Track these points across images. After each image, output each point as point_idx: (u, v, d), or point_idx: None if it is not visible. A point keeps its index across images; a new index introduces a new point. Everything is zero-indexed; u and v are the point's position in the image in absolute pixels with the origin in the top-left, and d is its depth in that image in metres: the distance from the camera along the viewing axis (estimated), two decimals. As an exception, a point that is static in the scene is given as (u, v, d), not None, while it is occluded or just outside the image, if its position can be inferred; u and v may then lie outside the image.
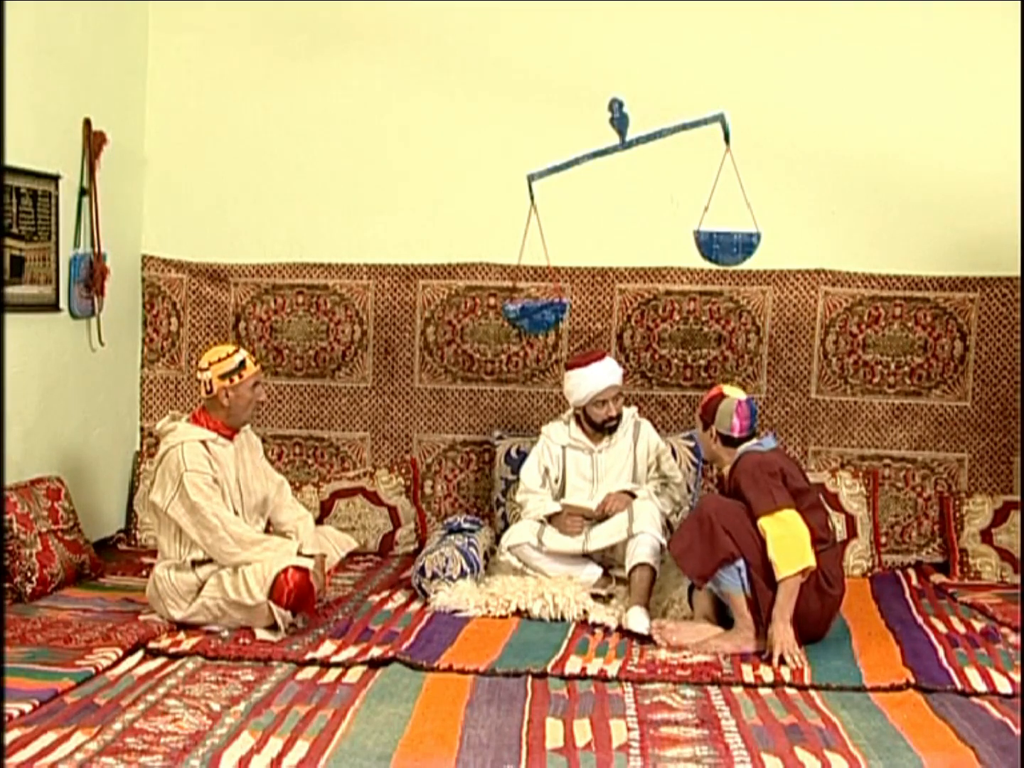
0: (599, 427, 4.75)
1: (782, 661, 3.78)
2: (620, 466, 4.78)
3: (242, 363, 4.19)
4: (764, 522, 3.91)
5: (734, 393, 4.22)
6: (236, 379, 4.16)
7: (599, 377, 4.67)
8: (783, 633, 3.84)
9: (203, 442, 4.14)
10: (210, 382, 4.18)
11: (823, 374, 5.39)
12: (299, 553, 4.16)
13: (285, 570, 3.95)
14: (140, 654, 3.74)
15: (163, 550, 4.17)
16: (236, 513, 4.17)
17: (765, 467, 4.03)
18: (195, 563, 4.09)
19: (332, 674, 3.60)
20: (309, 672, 3.62)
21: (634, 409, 4.94)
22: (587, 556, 4.61)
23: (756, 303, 5.39)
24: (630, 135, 4.41)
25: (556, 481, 4.82)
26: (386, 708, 3.29)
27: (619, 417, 4.75)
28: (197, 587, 4.06)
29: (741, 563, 3.93)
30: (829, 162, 5.29)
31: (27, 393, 4.71)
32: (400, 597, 4.57)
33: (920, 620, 4.35)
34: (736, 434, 4.15)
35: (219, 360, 4.21)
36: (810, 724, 3.22)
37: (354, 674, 3.60)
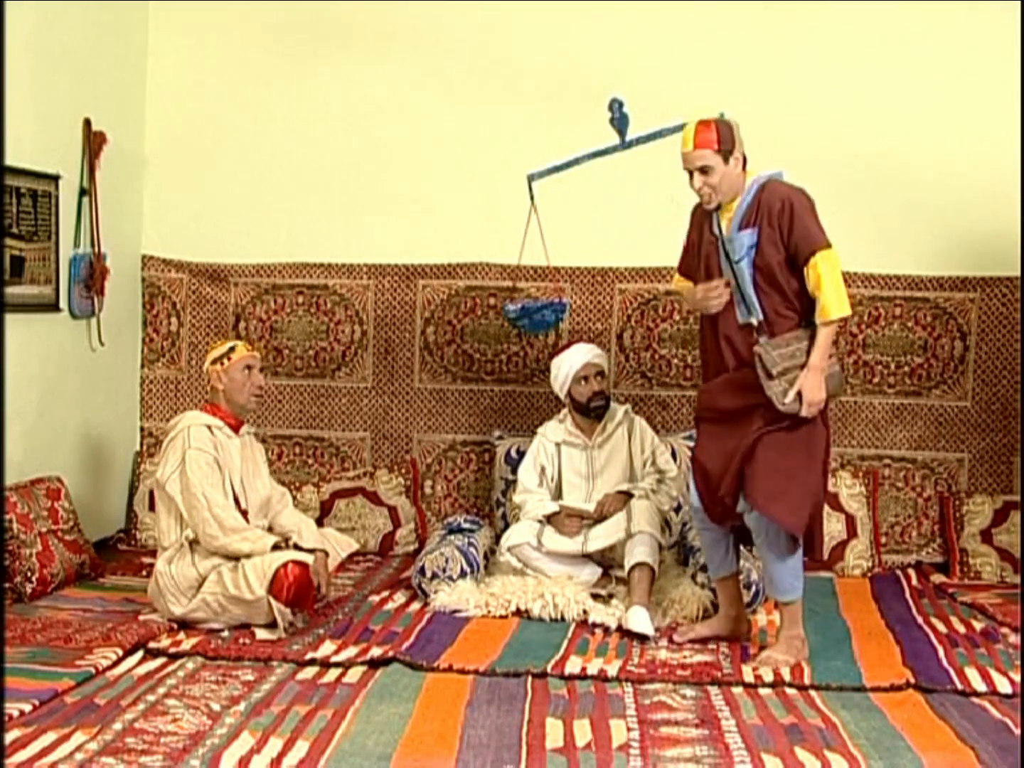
0: (586, 410, 4.76)
1: (794, 408, 3.71)
2: (615, 462, 4.78)
3: (232, 348, 4.31)
4: (820, 257, 3.71)
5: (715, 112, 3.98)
6: (226, 362, 4.27)
7: (576, 355, 4.76)
8: (817, 388, 3.74)
9: (209, 427, 4.22)
10: (207, 371, 4.34)
11: (823, 374, 5.38)
12: (299, 548, 4.18)
13: (285, 565, 3.96)
14: (140, 654, 3.75)
15: (162, 537, 4.20)
16: (239, 505, 4.21)
17: (808, 196, 3.84)
18: (191, 543, 4.12)
19: (332, 674, 3.60)
20: (309, 672, 3.62)
21: (627, 406, 4.95)
22: (586, 556, 4.61)
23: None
24: (630, 135, 4.41)
25: (552, 479, 4.83)
26: (386, 708, 3.29)
27: (604, 397, 4.76)
28: (198, 583, 4.07)
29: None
30: (829, 162, 5.28)
31: (27, 393, 4.71)
32: (400, 597, 4.57)
33: (920, 620, 4.35)
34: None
35: (214, 350, 4.36)
36: (810, 724, 3.22)
37: (354, 674, 3.60)
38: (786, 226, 3.73)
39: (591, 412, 4.78)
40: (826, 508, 5.13)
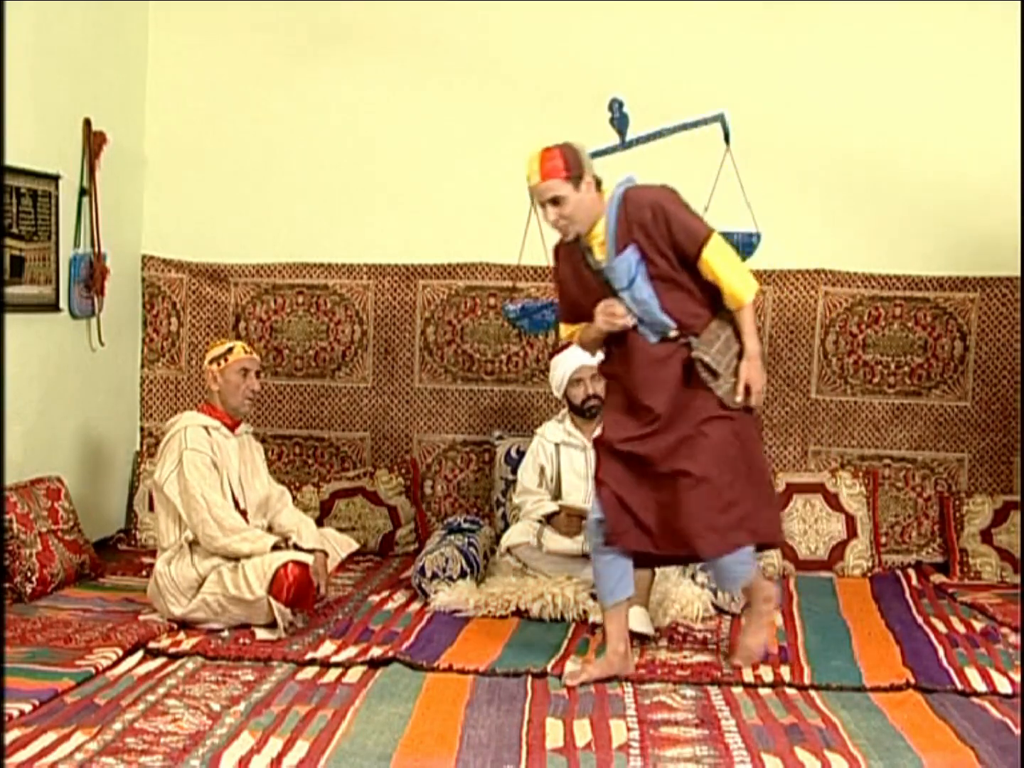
0: (581, 411, 4.77)
1: (747, 405, 3.58)
2: (615, 463, 4.78)
3: (230, 349, 4.30)
4: (710, 250, 3.52)
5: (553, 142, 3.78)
6: (223, 363, 4.26)
7: (573, 357, 4.72)
8: (760, 374, 3.61)
9: (206, 428, 4.21)
10: (205, 370, 4.33)
11: (823, 374, 5.39)
12: (298, 548, 4.18)
13: (285, 565, 3.96)
14: (140, 654, 3.74)
15: (162, 538, 4.20)
16: (237, 505, 4.21)
17: (674, 190, 3.63)
18: (191, 544, 4.12)
19: (332, 674, 3.60)
20: (309, 672, 3.62)
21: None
22: (586, 556, 4.60)
23: (756, 303, 5.35)
24: (630, 135, 4.41)
25: (552, 480, 4.83)
26: (386, 708, 3.29)
27: (600, 399, 4.75)
28: (197, 583, 4.07)
29: None
30: (829, 162, 5.29)
31: (27, 393, 4.71)
32: (400, 597, 4.57)
33: (920, 620, 4.35)
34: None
35: (213, 349, 4.35)
36: (810, 724, 3.21)
37: (354, 674, 3.60)
38: (664, 231, 3.52)
39: (585, 413, 4.79)
40: (826, 508, 5.17)
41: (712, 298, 3.60)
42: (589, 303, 3.64)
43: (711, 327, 3.58)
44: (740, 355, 3.60)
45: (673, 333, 3.58)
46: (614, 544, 3.64)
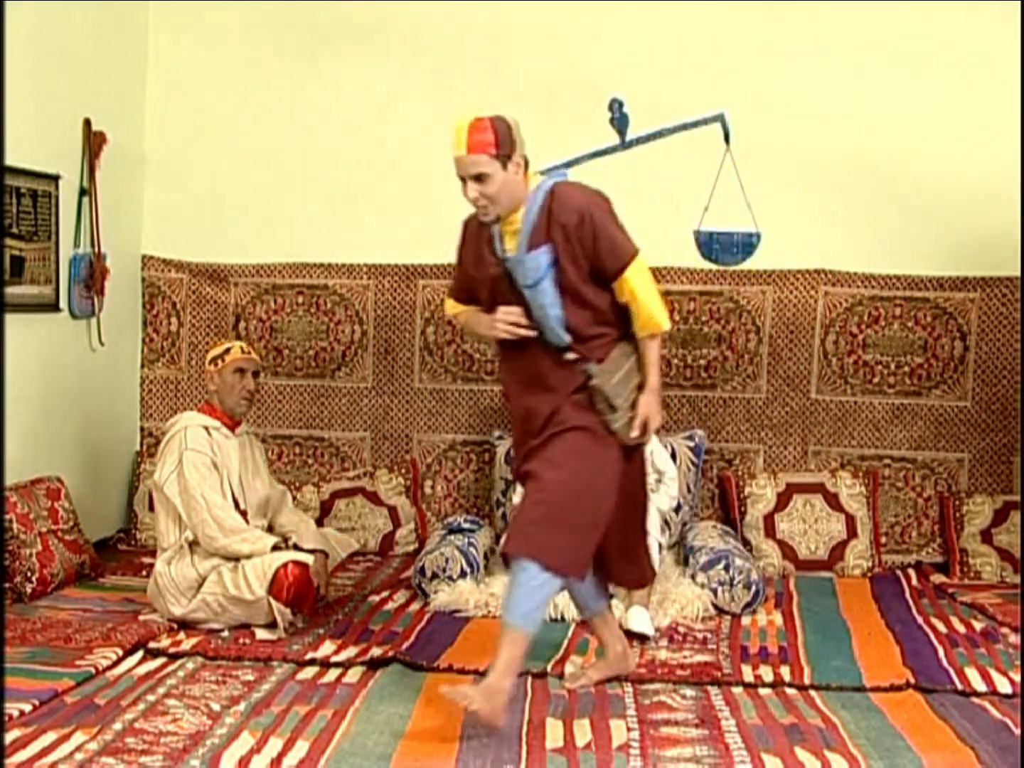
0: None
1: (641, 439, 3.35)
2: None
3: (228, 349, 4.31)
4: (634, 270, 3.28)
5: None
6: (220, 363, 4.27)
7: None
8: (659, 410, 3.38)
9: (206, 428, 4.22)
10: (205, 370, 4.36)
11: (823, 374, 5.39)
12: (299, 548, 4.18)
13: (285, 565, 3.96)
14: (140, 654, 3.74)
15: (162, 538, 4.20)
16: (237, 505, 4.21)
17: (608, 200, 3.37)
18: (191, 544, 4.12)
19: (332, 674, 3.60)
20: (309, 672, 3.62)
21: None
22: (587, 556, 4.60)
23: (756, 303, 5.39)
24: (630, 135, 4.41)
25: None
26: (386, 708, 3.29)
27: None
28: (197, 583, 4.07)
29: None
30: (829, 162, 5.29)
31: (27, 393, 4.71)
32: (400, 597, 4.57)
33: (920, 620, 4.35)
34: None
35: (213, 349, 4.36)
36: (810, 724, 3.22)
37: (354, 674, 3.60)
38: (588, 241, 3.25)
39: None
40: (826, 508, 5.17)
41: (616, 323, 3.34)
42: (485, 291, 3.41)
43: (613, 355, 3.32)
44: (640, 387, 3.36)
45: (571, 356, 3.31)
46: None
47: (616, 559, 3.51)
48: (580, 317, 3.30)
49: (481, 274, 3.41)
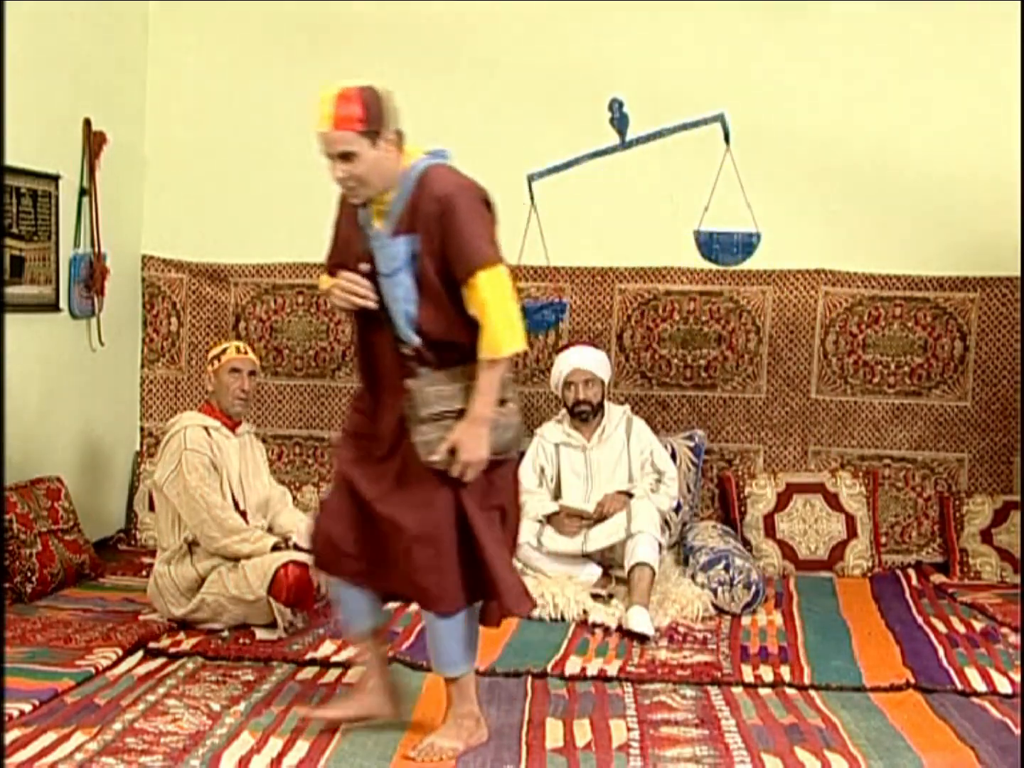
0: (572, 412, 4.77)
1: (446, 466, 2.89)
2: (614, 463, 4.78)
3: (224, 349, 4.31)
4: (485, 277, 2.86)
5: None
6: (216, 363, 4.28)
7: (568, 360, 4.76)
8: (477, 445, 2.89)
9: (206, 428, 4.21)
10: (205, 371, 4.38)
11: (823, 374, 5.39)
12: (299, 548, 4.18)
13: (285, 565, 3.96)
14: (140, 654, 3.74)
15: (162, 538, 4.20)
16: (237, 506, 4.21)
17: (483, 195, 2.98)
18: (191, 544, 4.12)
19: (332, 674, 3.60)
20: (309, 672, 3.62)
21: (626, 407, 4.95)
22: (586, 556, 4.60)
23: (756, 303, 5.39)
24: (630, 135, 4.42)
25: (552, 480, 4.83)
26: (386, 708, 3.29)
27: (591, 404, 4.74)
28: (197, 583, 4.07)
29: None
30: (829, 162, 5.28)
31: (27, 393, 4.71)
32: (400, 597, 4.56)
33: (920, 620, 4.35)
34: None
35: (213, 349, 4.38)
36: (810, 724, 3.22)
37: (354, 674, 3.59)
38: (444, 233, 2.89)
39: (576, 416, 4.80)
40: (826, 508, 5.17)
41: (472, 341, 2.92)
42: (352, 267, 3.05)
43: (451, 370, 2.95)
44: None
45: (407, 350, 2.95)
46: (326, 572, 3.18)
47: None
48: (434, 321, 2.94)
49: (348, 249, 3.07)
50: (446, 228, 2.88)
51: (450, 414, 2.91)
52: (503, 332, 2.87)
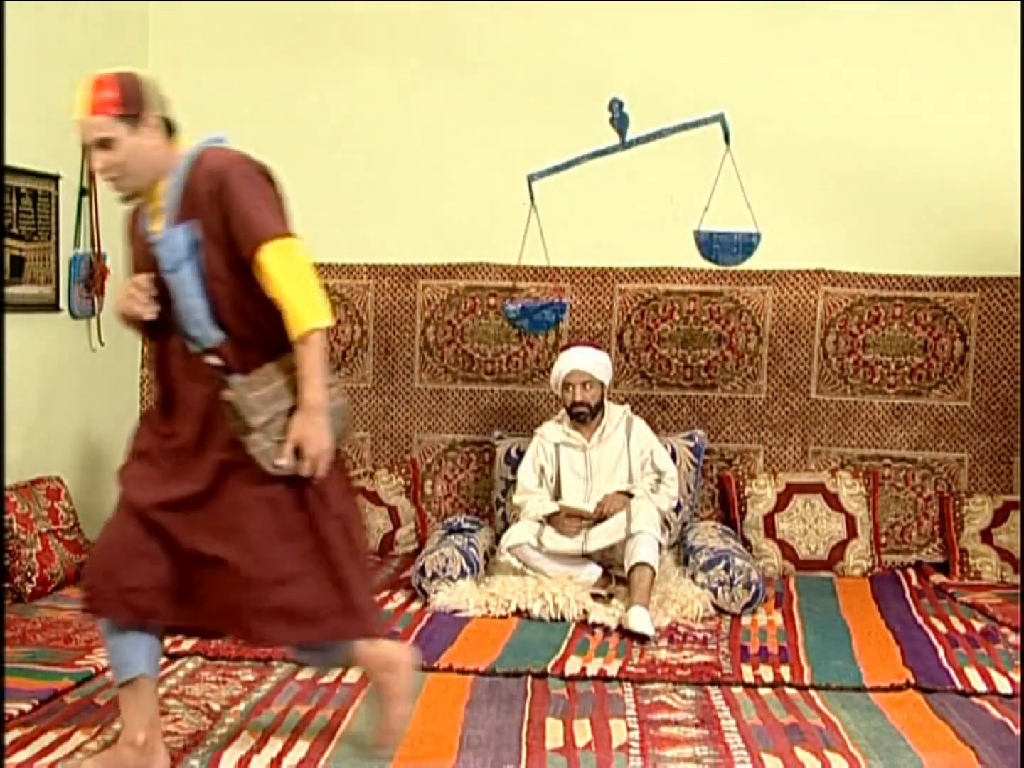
0: (570, 414, 4.78)
1: (296, 469, 2.69)
2: (613, 463, 4.78)
3: None
4: (273, 250, 2.67)
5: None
6: None
7: (568, 361, 4.76)
8: (320, 435, 2.69)
9: None
10: None
11: (823, 374, 5.39)
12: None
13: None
14: (140, 654, 3.74)
15: None
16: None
17: (262, 169, 2.80)
18: None
19: (332, 674, 3.60)
20: (309, 672, 3.62)
21: (626, 407, 4.95)
22: (587, 556, 4.60)
23: (756, 303, 5.39)
24: (630, 135, 4.42)
25: (552, 480, 4.83)
26: (386, 708, 3.29)
27: (588, 407, 4.74)
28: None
29: None
30: (829, 162, 5.29)
31: (27, 393, 4.71)
32: (400, 597, 4.57)
33: (920, 620, 4.35)
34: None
35: None
36: (810, 724, 3.22)
37: (354, 674, 3.59)
38: (223, 210, 2.68)
39: (574, 417, 4.80)
40: (826, 508, 5.16)
41: (280, 329, 2.70)
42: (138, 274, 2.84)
43: (266, 368, 2.73)
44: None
45: (213, 359, 2.72)
46: (94, 613, 2.84)
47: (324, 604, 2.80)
48: (231, 313, 2.73)
49: (135, 257, 2.86)
50: (225, 205, 2.67)
51: (280, 415, 2.70)
52: (304, 306, 2.67)
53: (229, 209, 2.67)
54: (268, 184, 2.77)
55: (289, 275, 2.67)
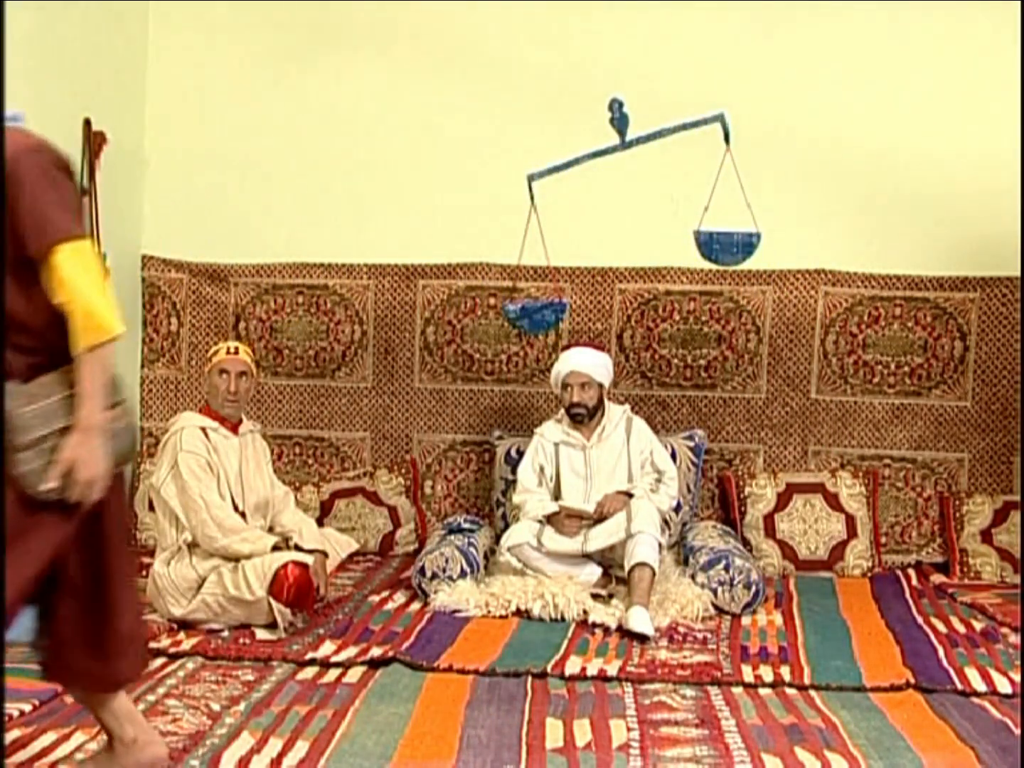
0: (568, 414, 4.79)
1: (64, 493, 2.41)
2: (613, 462, 4.78)
3: (217, 350, 4.34)
4: (69, 255, 2.38)
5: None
6: (208, 364, 4.32)
7: (567, 361, 4.78)
8: (94, 459, 2.43)
9: (203, 429, 4.21)
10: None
11: (823, 374, 5.39)
12: (299, 549, 4.18)
13: (285, 565, 3.96)
14: (140, 654, 3.74)
15: (162, 538, 4.21)
16: (236, 506, 4.21)
17: (59, 161, 2.48)
18: (190, 545, 4.13)
19: (332, 674, 3.60)
20: (309, 672, 3.62)
21: (626, 406, 4.95)
22: (587, 556, 4.60)
23: (756, 303, 5.39)
24: (630, 135, 4.41)
25: (551, 479, 4.83)
26: (386, 708, 3.28)
27: (586, 408, 4.74)
28: (197, 584, 4.07)
29: None
30: (829, 162, 5.29)
31: (27, 393, 4.70)
32: (400, 597, 4.57)
33: (920, 620, 4.34)
34: None
35: (211, 349, 4.40)
36: (810, 724, 3.21)
37: (354, 674, 3.60)
38: (12, 205, 2.38)
39: (572, 418, 4.80)
40: (826, 508, 5.17)
41: (64, 338, 2.42)
42: None
43: (47, 378, 2.43)
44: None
45: None
46: None
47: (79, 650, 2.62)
48: (20, 314, 2.43)
49: None
50: (13, 199, 2.37)
51: (54, 434, 2.42)
52: (93, 316, 2.40)
53: (19, 203, 2.37)
54: (66, 179, 2.48)
55: (80, 281, 2.39)
